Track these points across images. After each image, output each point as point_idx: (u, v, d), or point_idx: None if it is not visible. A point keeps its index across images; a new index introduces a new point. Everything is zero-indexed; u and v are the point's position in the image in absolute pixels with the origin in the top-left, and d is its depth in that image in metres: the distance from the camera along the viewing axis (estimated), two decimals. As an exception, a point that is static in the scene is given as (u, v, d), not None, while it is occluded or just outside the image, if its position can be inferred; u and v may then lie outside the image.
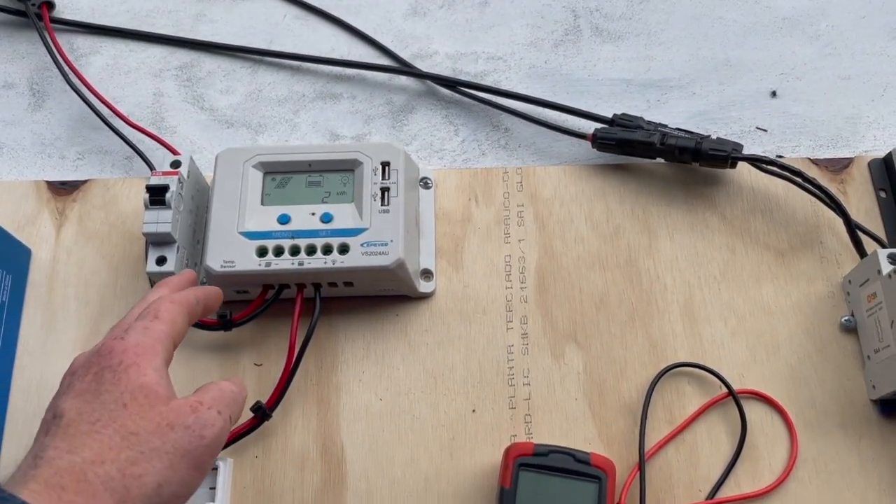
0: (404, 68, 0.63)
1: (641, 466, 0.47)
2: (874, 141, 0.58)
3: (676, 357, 0.51)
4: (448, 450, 0.49)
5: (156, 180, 0.49)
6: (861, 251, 0.51)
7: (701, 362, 0.50)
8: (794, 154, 0.58)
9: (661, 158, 0.56)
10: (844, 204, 0.52)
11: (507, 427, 0.50)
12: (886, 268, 0.47)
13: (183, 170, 0.51)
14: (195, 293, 0.43)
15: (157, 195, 0.48)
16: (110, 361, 0.36)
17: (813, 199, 0.54)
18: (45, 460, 0.33)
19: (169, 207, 0.48)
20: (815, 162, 0.57)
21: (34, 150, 0.60)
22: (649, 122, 0.56)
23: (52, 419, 0.35)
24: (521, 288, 0.54)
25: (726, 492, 0.47)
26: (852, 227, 0.51)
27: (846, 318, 0.51)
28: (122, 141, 0.58)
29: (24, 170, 0.59)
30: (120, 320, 0.41)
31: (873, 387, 0.49)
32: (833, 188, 0.54)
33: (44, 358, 0.52)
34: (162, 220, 0.48)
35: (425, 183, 0.56)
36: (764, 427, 0.49)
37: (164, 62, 0.64)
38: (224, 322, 0.50)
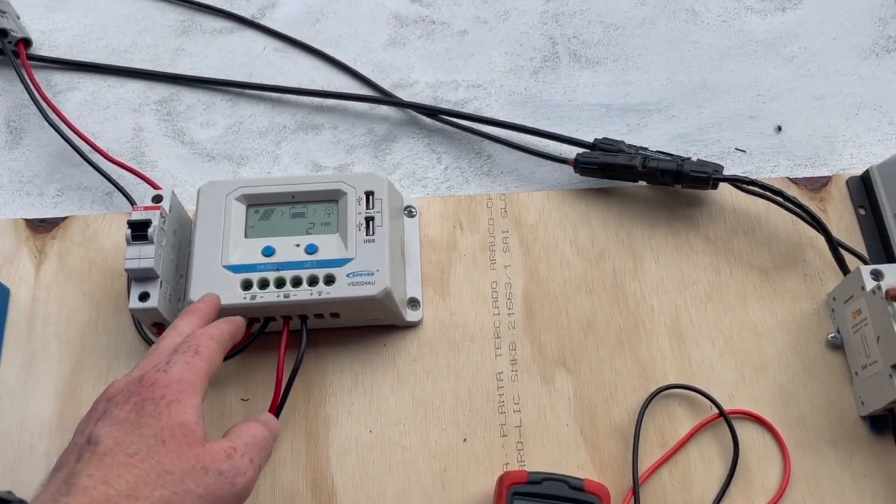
0: (385, 98, 0.63)
1: (636, 491, 0.47)
2: (851, 159, 0.59)
3: (666, 379, 0.51)
4: (440, 481, 0.48)
5: (137, 215, 0.48)
6: (844, 268, 0.52)
7: (690, 384, 0.50)
8: (774, 174, 0.59)
9: (644, 181, 0.56)
10: (825, 222, 0.52)
11: (499, 455, 0.49)
12: (870, 284, 0.48)
13: (165, 204, 0.50)
14: (228, 328, 0.43)
15: (138, 230, 0.48)
16: (153, 394, 0.36)
17: (794, 217, 0.55)
18: (78, 488, 0.32)
19: (151, 242, 0.48)
20: (795, 181, 0.58)
21: (12, 187, 0.59)
22: (630, 146, 0.57)
23: (86, 444, 0.35)
24: (509, 314, 0.53)
25: (721, 514, 0.47)
26: (834, 245, 0.52)
27: (832, 335, 0.51)
28: (101, 177, 0.58)
29: (2, 208, 0.58)
30: (155, 347, 0.41)
31: (862, 403, 0.49)
32: (813, 206, 0.55)
33: (24, 399, 0.50)
34: (144, 256, 0.48)
35: (409, 211, 0.56)
36: (756, 447, 0.49)
37: (144, 97, 0.64)
38: (209, 357, 0.49)
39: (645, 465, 0.48)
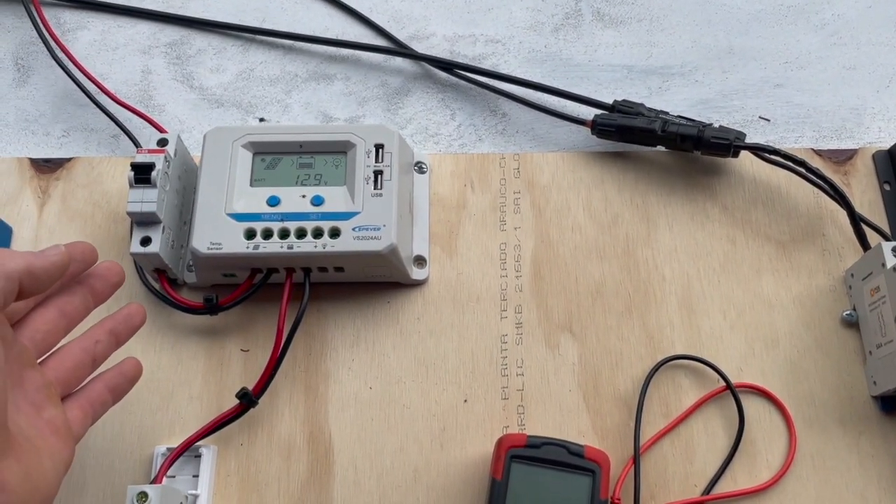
0: (400, 49, 0.61)
1: (636, 460, 0.46)
2: (879, 133, 0.57)
3: (673, 349, 0.50)
4: (439, 440, 0.48)
5: (141, 158, 0.47)
6: (864, 244, 0.50)
7: (698, 355, 0.49)
8: (798, 145, 0.57)
9: (662, 146, 0.54)
10: (848, 196, 0.51)
11: (499, 418, 0.48)
12: (891, 261, 0.46)
13: (170, 148, 0.49)
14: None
15: (142, 173, 0.47)
16: None
17: (816, 190, 0.53)
18: None
19: (154, 186, 0.47)
20: (819, 153, 0.56)
21: (18, 126, 0.58)
22: (650, 109, 0.55)
23: None
24: (517, 276, 0.52)
25: (722, 487, 0.46)
26: (856, 220, 0.50)
27: (848, 312, 0.50)
28: (108, 118, 0.56)
29: (7, 146, 0.57)
30: None
31: (874, 383, 0.48)
32: (836, 179, 0.53)
33: (24, 340, 0.50)
34: (147, 200, 0.47)
35: (420, 167, 0.55)
36: (762, 422, 0.48)
37: (154, 39, 0.62)
38: (210, 306, 0.48)
39: (647, 434, 0.47)
